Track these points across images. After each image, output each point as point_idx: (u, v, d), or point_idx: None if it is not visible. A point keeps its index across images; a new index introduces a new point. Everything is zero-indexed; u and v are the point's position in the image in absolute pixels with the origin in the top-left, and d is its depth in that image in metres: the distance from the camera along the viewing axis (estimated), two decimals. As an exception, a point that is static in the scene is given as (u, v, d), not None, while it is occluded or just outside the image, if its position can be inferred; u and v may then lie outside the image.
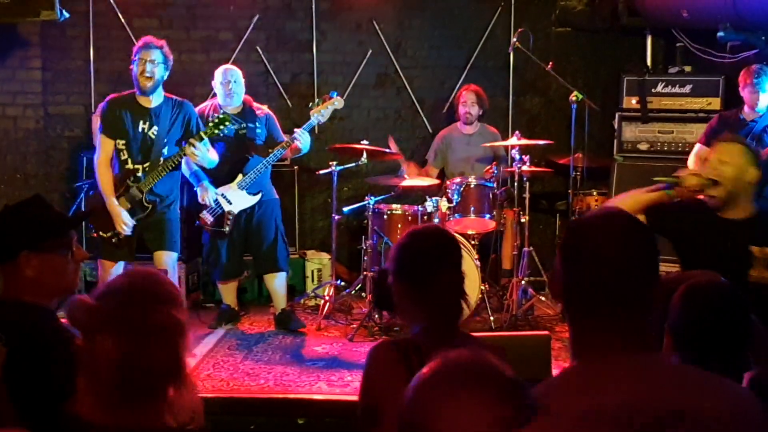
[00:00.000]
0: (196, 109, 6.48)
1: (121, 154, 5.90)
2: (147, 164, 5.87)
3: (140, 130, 5.87)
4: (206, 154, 5.98)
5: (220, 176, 6.45)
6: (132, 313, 2.04)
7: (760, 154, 3.93)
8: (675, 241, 3.86)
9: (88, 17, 7.66)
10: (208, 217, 6.42)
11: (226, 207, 6.41)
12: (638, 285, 1.83)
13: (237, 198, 6.44)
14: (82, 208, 6.80)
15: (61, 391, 2.52)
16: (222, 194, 6.41)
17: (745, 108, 6.35)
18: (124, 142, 5.87)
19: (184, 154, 5.89)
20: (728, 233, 3.69)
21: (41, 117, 7.70)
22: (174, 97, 6.13)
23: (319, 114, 6.56)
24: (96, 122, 6.27)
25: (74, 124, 7.74)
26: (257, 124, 6.57)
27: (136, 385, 2.01)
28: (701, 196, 3.75)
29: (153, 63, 5.83)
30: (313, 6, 8.01)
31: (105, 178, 5.89)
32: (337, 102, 6.65)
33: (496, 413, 1.48)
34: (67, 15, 6.78)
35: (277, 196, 6.74)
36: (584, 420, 1.71)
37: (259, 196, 6.49)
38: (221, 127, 5.98)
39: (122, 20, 7.72)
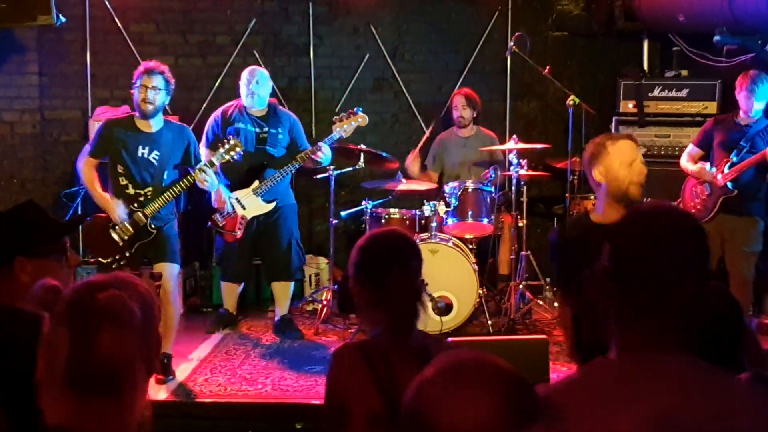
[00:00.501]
0: (221, 109, 6.51)
1: (121, 179, 5.71)
2: (149, 189, 5.69)
3: (140, 155, 5.69)
4: (215, 180, 5.86)
5: (236, 180, 6.43)
6: (81, 296, 2.01)
7: None
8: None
9: (84, 22, 7.66)
10: (220, 220, 6.41)
11: (240, 211, 6.39)
12: (689, 284, 1.84)
13: (251, 204, 6.42)
14: (79, 213, 6.80)
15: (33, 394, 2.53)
16: (237, 198, 6.39)
17: (741, 112, 6.35)
18: (123, 167, 5.70)
19: (194, 181, 5.73)
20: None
21: (38, 122, 7.70)
22: (173, 121, 6.10)
23: (342, 129, 6.48)
24: (93, 127, 6.26)
25: (71, 129, 7.73)
26: (279, 129, 6.52)
27: (89, 379, 1.97)
28: None
29: (155, 90, 5.65)
30: (310, 10, 8.02)
31: (89, 176, 5.76)
32: (362, 119, 6.53)
33: (501, 410, 1.48)
34: (64, 20, 6.78)
35: (294, 201, 6.71)
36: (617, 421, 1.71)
37: (273, 204, 6.46)
38: (232, 153, 5.87)
39: (119, 25, 7.72)
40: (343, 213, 7.08)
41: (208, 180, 5.74)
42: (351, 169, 6.83)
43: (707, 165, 6.25)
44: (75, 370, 1.98)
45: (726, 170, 6.12)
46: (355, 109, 6.61)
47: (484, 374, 1.53)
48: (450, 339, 3.64)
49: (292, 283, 6.70)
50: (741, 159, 6.13)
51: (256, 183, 6.41)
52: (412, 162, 7.41)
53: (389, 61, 8.18)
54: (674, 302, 1.83)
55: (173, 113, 7.55)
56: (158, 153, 5.71)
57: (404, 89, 8.21)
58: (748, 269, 6.21)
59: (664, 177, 6.66)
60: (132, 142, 5.70)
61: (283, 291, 6.63)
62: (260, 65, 7.88)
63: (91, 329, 1.98)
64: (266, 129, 6.47)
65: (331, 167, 6.73)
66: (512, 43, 7.49)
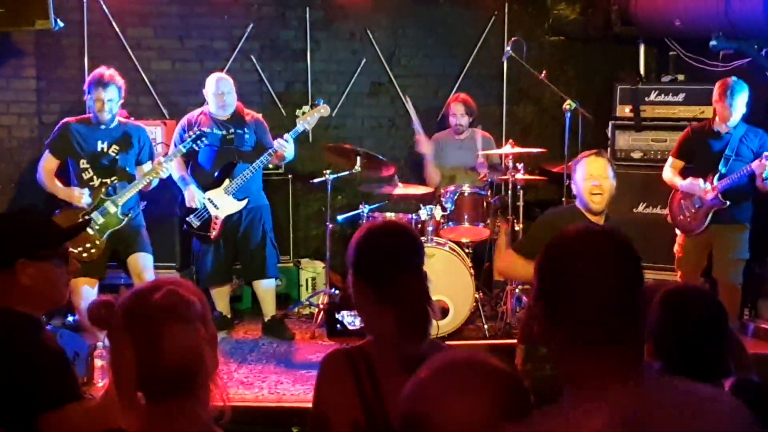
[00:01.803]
0: (186, 117, 6.60)
1: (85, 173, 6.07)
2: (114, 178, 6.05)
3: (99, 149, 6.07)
4: (174, 170, 6.29)
5: (207, 181, 6.50)
6: (135, 302, 2.05)
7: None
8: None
9: (82, 26, 7.66)
10: (194, 222, 6.46)
11: (213, 211, 6.44)
12: (626, 310, 1.73)
13: (224, 203, 6.46)
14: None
15: (38, 403, 2.54)
16: (209, 199, 6.45)
17: (717, 119, 6.32)
18: (86, 162, 6.07)
19: (156, 175, 6.05)
20: None
21: (35, 126, 7.70)
22: (128, 121, 6.31)
23: (306, 122, 6.58)
24: None
25: (68, 133, 7.72)
26: (246, 130, 6.57)
27: (160, 382, 1.99)
28: None
29: (111, 101, 6.02)
30: (307, 15, 8.03)
31: (49, 182, 6.14)
32: (324, 109, 6.65)
33: (495, 408, 1.49)
34: (61, 24, 6.78)
35: (266, 202, 6.73)
36: None
37: (245, 202, 6.50)
38: (197, 142, 6.16)
39: (117, 29, 7.72)
40: (339, 217, 7.08)
41: (166, 169, 6.09)
42: (348, 173, 6.84)
43: (699, 181, 6.19)
44: (146, 375, 1.99)
45: (716, 182, 6.11)
46: (317, 100, 6.79)
47: (479, 373, 1.54)
48: (446, 343, 3.63)
49: (272, 282, 6.71)
50: (729, 169, 6.12)
51: (227, 182, 6.46)
52: (422, 145, 7.44)
53: (386, 65, 8.19)
54: (609, 328, 1.70)
55: (170, 118, 7.58)
56: (116, 147, 6.08)
57: (401, 94, 8.22)
58: (736, 276, 6.20)
59: (660, 181, 6.66)
60: (90, 138, 6.08)
61: (265, 291, 6.65)
62: (257, 70, 7.92)
63: (154, 331, 1.99)
64: (232, 130, 6.54)
65: (328, 171, 6.75)
66: (509, 48, 7.50)
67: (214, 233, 6.46)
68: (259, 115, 6.83)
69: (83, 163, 6.07)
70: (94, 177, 6.05)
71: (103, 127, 6.08)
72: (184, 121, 6.61)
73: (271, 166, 6.84)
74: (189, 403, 2.01)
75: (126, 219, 6.02)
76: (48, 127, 7.70)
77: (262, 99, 7.99)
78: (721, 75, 7.13)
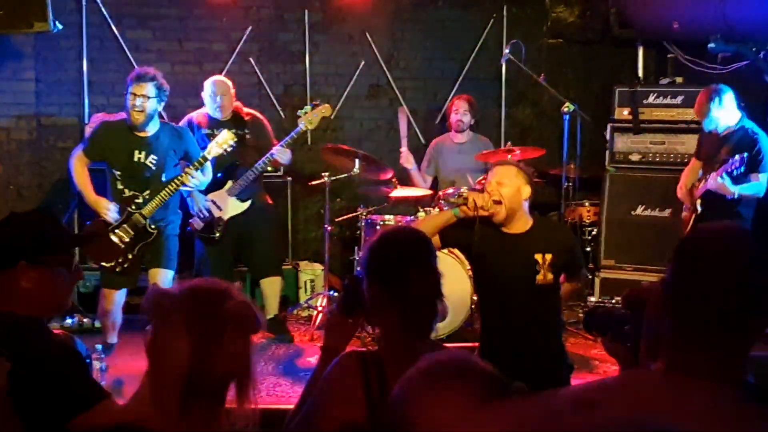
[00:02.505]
0: (186, 118, 6.53)
1: (117, 183, 5.78)
2: (147, 192, 5.75)
3: (136, 159, 5.74)
4: (203, 179, 5.96)
5: (210, 183, 6.44)
6: (205, 303, 2.02)
7: (531, 173, 4.44)
8: (468, 255, 4.40)
9: (81, 29, 7.66)
10: (198, 223, 6.43)
11: (217, 213, 6.42)
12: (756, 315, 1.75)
13: (227, 204, 6.45)
14: (75, 221, 6.81)
15: (67, 408, 2.52)
16: (212, 201, 6.42)
17: None
18: (119, 172, 5.77)
19: (182, 183, 5.78)
20: (512, 246, 4.13)
21: (34, 128, 7.70)
22: (171, 123, 6.14)
23: (306, 121, 6.51)
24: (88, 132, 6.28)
25: (67, 136, 7.72)
26: (246, 131, 6.54)
27: (204, 385, 1.98)
28: (485, 214, 4.14)
29: (144, 98, 5.64)
30: (306, 18, 8.04)
31: (82, 175, 5.81)
32: (325, 109, 6.59)
33: (474, 405, 1.50)
34: (60, 26, 6.79)
35: (270, 202, 6.73)
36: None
37: (248, 203, 6.48)
38: (224, 145, 5.92)
39: (115, 32, 7.72)
40: (338, 219, 7.09)
41: (196, 181, 5.85)
42: (346, 175, 6.84)
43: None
44: (196, 379, 1.97)
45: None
46: (319, 101, 6.71)
47: (461, 374, 1.56)
48: (445, 345, 3.63)
49: (280, 280, 6.71)
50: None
51: (230, 183, 6.44)
52: (406, 160, 7.44)
53: (384, 68, 8.20)
54: (736, 330, 1.75)
55: (169, 119, 7.57)
56: (155, 157, 5.77)
57: (399, 96, 8.23)
58: None
59: (658, 183, 6.68)
60: (127, 147, 5.75)
61: (272, 288, 6.63)
62: (256, 72, 7.92)
63: (219, 338, 1.98)
64: (234, 131, 6.35)
65: (326, 174, 6.74)
66: (507, 51, 7.51)
67: (217, 234, 6.43)
68: (258, 114, 6.81)
69: (117, 173, 5.77)
70: (126, 189, 5.75)
71: (141, 134, 5.74)
72: (185, 122, 6.56)
73: (270, 168, 6.81)
74: (222, 410, 2.02)
75: (156, 232, 5.76)
76: (47, 129, 7.72)
77: (261, 101, 7.99)
78: (719, 78, 7.15)
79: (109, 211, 5.69)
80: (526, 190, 4.25)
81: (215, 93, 6.48)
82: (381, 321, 2.62)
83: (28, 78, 7.64)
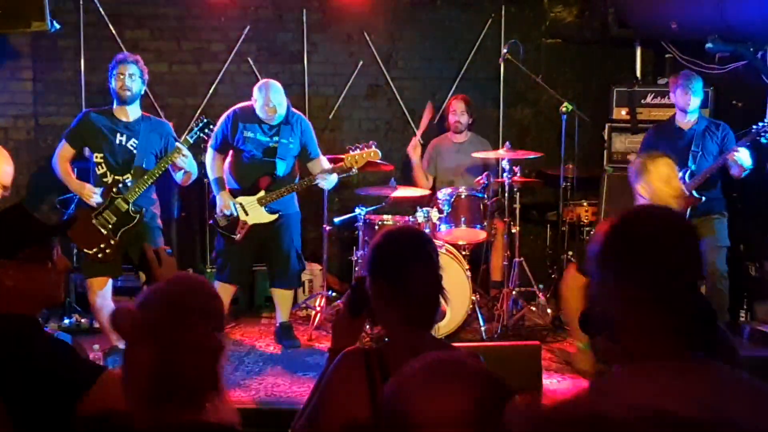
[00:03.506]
0: (233, 109, 6.45)
1: (99, 167, 5.93)
2: (127, 175, 5.89)
3: (118, 142, 5.92)
4: (192, 161, 6.01)
5: (243, 186, 6.38)
6: (169, 326, 2.04)
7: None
8: None
9: (79, 28, 7.67)
10: (221, 220, 6.36)
11: (242, 216, 6.33)
12: (687, 284, 1.88)
13: (254, 211, 6.34)
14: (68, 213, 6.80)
15: (71, 392, 2.52)
16: (240, 204, 6.33)
17: (677, 116, 6.47)
18: (101, 155, 5.92)
19: (172, 161, 5.86)
20: None
21: (32, 128, 7.70)
22: (152, 116, 6.19)
23: (354, 161, 6.31)
24: None
25: (65, 135, 7.73)
26: (291, 139, 6.39)
27: (170, 394, 2.00)
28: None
29: (131, 77, 5.91)
30: (304, 17, 8.04)
31: (63, 164, 6.03)
32: (374, 153, 6.34)
33: (472, 407, 1.51)
34: (58, 26, 6.77)
35: (297, 210, 6.63)
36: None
37: (276, 216, 6.37)
38: (205, 130, 6.01)
39: (113, 32, 7.72)
40: (336, 219, 7.08)
41: (187, 159, 5.90)
42: (344, 175, 6.83)
43: None
44: (164, 379, 2.00)
45: (688, 179, 6.14)
46: (370, 143, 6.40)
47: (458, 373, 1.57)
48: (453, 345, 3.62)
49: (292, 291, 6.69)
50: (699, 165, 6.22)
51: (262, 193, 6.33)
52: (413, 149, 7.45)
53: (383, 68, 8.20)
54: (680, 303, 1.86)
55: (168, 119, 7.57)
56: (136, 140, 5.94)
57: (398, 96, 8.23)
58: (720, 262, 6.23)
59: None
60: (109, 130, 5.94)
61: (283, 297, 6.60)
62: (254, 72, 7.91)
63: (176, 352, 2.01)
64: (277, 139, 6.35)
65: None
66: (505, 50, 7.50)
67: (239, 236, 6.35)
68: (307, 120, 6.65)
69: (98, 157, 5.91)
70: (108, 173, 5.89)
71: (124, 118, 5.96)
72: (230, 113, 6.41)
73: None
74: (195, 409, 2.03)
75: (138, 216, 5.86)
76: (44, 128, 7.72)
77: (259, 101, 7.98)
78: (717, 78, 7.16)
79: (94, 194, 5.87)
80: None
81: (269, 104, 6.27)
82: (385, 317, 2.65)
83: (26, 78, 7.64)
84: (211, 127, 6.05)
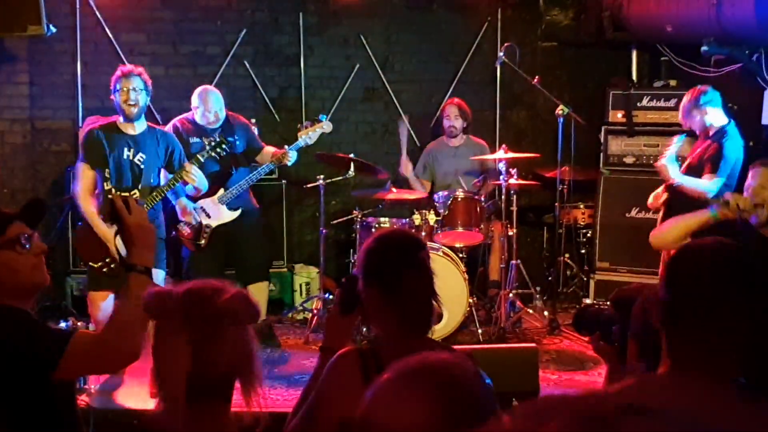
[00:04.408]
0: (172, 123, 6.45)
1: (105, 184, 5.75)
2: (135, 192, 5.73)
3: (125, 157, 5.75)
4: (203, 177, 5.92)
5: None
6: (199, 301, 2.06)
7: None
8: None
9: (75, 32, 7.66)
10: (185, 229, 6.32)
11: (205, 220, 6.32)
12: (731, 312, 1.88)
13: (216, 212, 6.36)
14: (69, 224, 6.80)
15: (44, 361, 2.51)
16: (201, 207, 6.32)
17: None
18: (108, 170, 5.75)
19: (180, 179, 5.77)
20: None
21: (28, 131, 7.69)
22: (157, 127, 6.10)
23: (307, 136, 6.44)
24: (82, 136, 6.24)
25: (61, 139, 7.72)
26: (236, 136, 6.46)
27: (207, 383, 2.01)
28: (746, 216, 4.12)
29: (136, 91, 5.71)
30: (301, 21, 8.04)
31: (88, 206, 5.73)
32: (326, 126, 6.49)
33: (439, 417, 1.50)
34: (54, 30, 6.78)
35: (256, 206, 6.65)
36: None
37: (238, 212, 6.39)
38: (218, 149, 5.93)
39: (109, 35, 7.72)
40: (333, 222, 7.09)
41: (196, 177, 5.80)
42: (341, 178, 6.85)
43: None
44: (199, 377, 2.00)
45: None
46: (319, 116, 6.58)
47: (429, 380, 1.55)
48: (454, 347, 3.63)
49: (267, 284, 6.66)
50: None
51: (221, 191, 6.35)
52: (405, 167, 7.45)
53: (379, 71, 8.21)
54: (730, 331, 1.87)
55: (164, 123, 7.57)
56: (143, 155, 5.78)
57: (394, 99, 8.24)
58: None
59: (652, 186, 6.66)
60: (116, 146, 5.76)
61: (260, 293, 6.48)
62: (251, 75, 7.92)
63: (215, 333, 2.01)
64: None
65: (321, 176, 6.74)
66: (502, 53, 7.52)
67: (203, 242, 6.33)
68: (242, 118, 6.71)
69: (106, 173, 5.74)
70: (113, 189, 5.70)
71: (130, 131, 5.78)
72: (169, 128, 6.41)
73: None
74: (229, 407, 2.04)
75: None
76: (41, 132, 7.71)
77: (256, 104, 7.99)
78: (713, 80, 7.17)
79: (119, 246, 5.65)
80: None
81: (209, 110, 6.35)
82: (378, 321, 2.67)
83: (22, 81, 7.63)
84: (224, 146, 5.94)
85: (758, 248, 4.03)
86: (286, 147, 6.43)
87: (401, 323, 2.58)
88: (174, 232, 6.41)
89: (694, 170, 6.02)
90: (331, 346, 2.76)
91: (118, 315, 2.61)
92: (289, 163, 6.49)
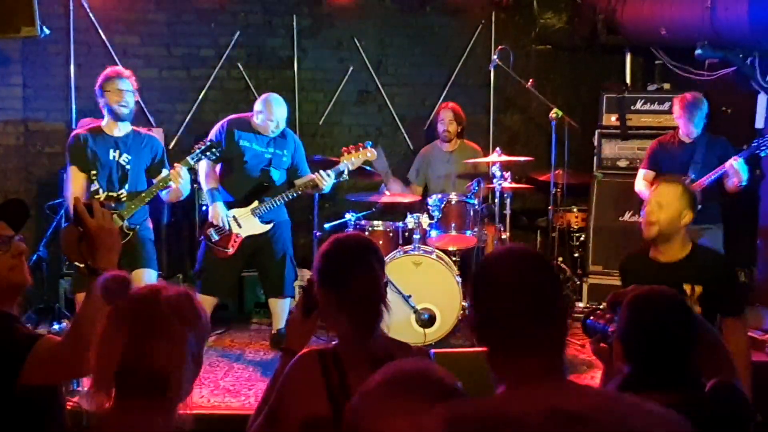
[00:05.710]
0: (228, 119, 6.43)
1: (92, 185, 5.78)
2: (122, 192, 5.78)
3: (111, 158, 5.79)
4: (188, 181, 5.89)
5: (237, 197, 6.35)
6: (140, 298, 2.07)
7: (696, 196, 4.20)
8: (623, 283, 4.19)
9: (68, 34, 7.65)
10: (213, 235, 6.30)
11: (235, 229, 6.28)
12: (541, 314, 1.90)
13: (248, 223, 6.31)
14: (62, 226, 6.77)
15: (9, 366, 2.50)
16: (234, 216, 6.29)
17: (681, 131, 6.53)
18: (95, 172, 5.78)
19: (170, 180, 5.74)
20: (661, 274, 3.93)
21: (21, 133, 7.67)
22: (141, 130, 6.10)
23: (350, 161, 6.33)
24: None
25: (54, 141, 7.70)
26: (285, 152, 6.40)
27: (140, 378, 2.00)
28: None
29: (130, 93, 5.81)
30: (294, 23, 8.04)
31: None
32: (370, 153, 6.36)
33: (422, 416, 1.51)
34: (47, 32, 6.76)
35: (288, 218, 6.60)
36: None
37: (269, 226, 6.35)
38: (207, 153, 5.90)
39: (103, 37, 7.71)
40: (326, 225, 7.08)
41: (183, 178, 5.75)
42: (338, 175, 6.83)
43: None
44: (131, 371, 1.99)
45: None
46: (366, 143, 6.42)
47: (420, 385, 1.56)
48: (434, 351, 3.63)
49: (290, 300, 6.64)
50: (699, 175, 6.23)
51: (255, 203, 6.31)
52: (394, 188, 7.38)
53: (373, 74, 8.21)
54: (538, 334, 1.89)
55: (157, 125, 7.57)
56: (128, 156, 5.82)
57: (388, 102, 8.24)
58: None
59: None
60: (102, 147, 5.81)
61: (279, 306, 6.53)
62: (244, 78, 7.91)
63: (153, 332, 2.01)
64: (272, 150, 6.37)
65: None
66: (495, 57, 7.53)
67: (231, 250, 6.30)
68: (299, 141, 6.65)
69: (92, 174, 5.77)
70: (100, 190, 5.75)
71: (116, 133, 5.82)
72: (224, 122, 6.40)
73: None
74: (156, 405, 2.02)
75: (131, 234, 5.73)
76: (34, 134, 7.70)
77: (249, 107, 7.93)
78: (706, 84, 7.19)
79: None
80: (688, 216, 4.05)
81: (269, 111, 6.30)
82: (332, 322, 2.72)
83: (16, 83, 7.62)
84: (214, 150, 5.92)
85: (649, 274, 3.97)
86: (320, 172, 6.30)
87: (352, 324, 2.63)
88: (202, 237, 6.38)
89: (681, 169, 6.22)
90: (293, 347, 2.81)
91: (80, 319, 2.59)
92: (326, 189, 6.40)
